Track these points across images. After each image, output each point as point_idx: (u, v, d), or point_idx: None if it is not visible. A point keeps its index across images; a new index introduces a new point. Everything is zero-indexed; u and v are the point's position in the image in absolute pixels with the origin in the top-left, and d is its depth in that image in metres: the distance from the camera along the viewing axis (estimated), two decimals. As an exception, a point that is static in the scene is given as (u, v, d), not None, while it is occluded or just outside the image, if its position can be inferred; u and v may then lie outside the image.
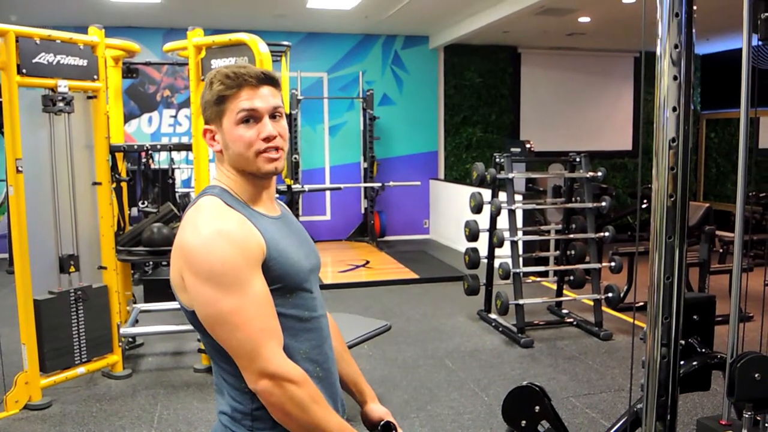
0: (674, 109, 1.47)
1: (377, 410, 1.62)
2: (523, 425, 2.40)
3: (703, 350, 2.26)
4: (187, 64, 4.44)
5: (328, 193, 9.77)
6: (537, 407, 2.38)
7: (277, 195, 4.27)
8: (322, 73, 9.61)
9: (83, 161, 4.31)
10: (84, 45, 4.12)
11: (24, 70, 3.78)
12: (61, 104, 3.99)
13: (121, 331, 4.47)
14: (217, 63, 4.18)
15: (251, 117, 1.37)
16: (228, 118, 1.37)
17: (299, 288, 1.41)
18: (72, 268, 4.21)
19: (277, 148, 1.39)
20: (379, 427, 1.55)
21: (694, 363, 2.23)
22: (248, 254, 1.31)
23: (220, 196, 1.38)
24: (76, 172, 4.25)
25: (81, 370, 4.23)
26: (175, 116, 9.17)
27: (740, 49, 1.66)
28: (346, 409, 1.55)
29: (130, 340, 4.84)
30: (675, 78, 1.45)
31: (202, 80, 4.21)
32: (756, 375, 1.61)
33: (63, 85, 3.97)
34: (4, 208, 8.10)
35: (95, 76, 4.19)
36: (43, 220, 4.10)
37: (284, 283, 1.37)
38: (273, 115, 1.40)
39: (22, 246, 3.86)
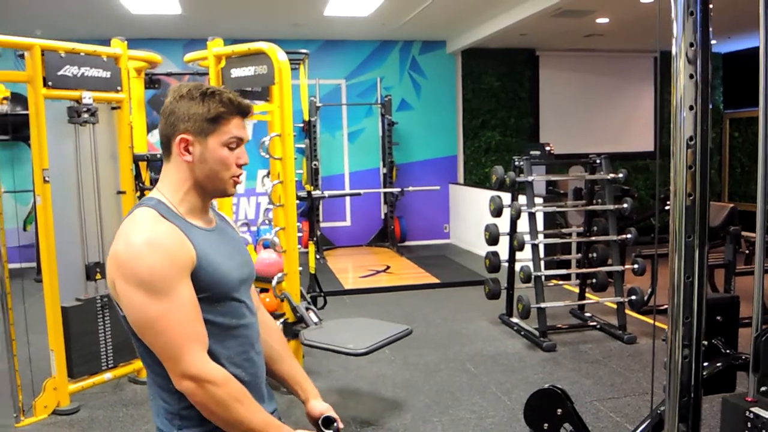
0: (691, 108, 1.46)
1: (318, 406, 1.68)
2: (545, 428, 2.40)
3: (728, 351, 2.24)
4: (207, 73, 4.50)
5: (347, 198, 9.81)
6: (559, 410, 2.38)
7: (298, 201, 4.31)
8: (341, 80, 9.66)
9: (108, 171, 4.39)
10: (107, 57, 4.20)
11: (50, 83, 3.85)
12: (85, 115, 4.07)
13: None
14: (237, 72, 4.24)
15: (236, 144, 1.50)
16: (216, 138, 1.47)
17: (227, 297, 1.49)
18: (98, 276, 4.29)
19: (240, 174, 1.54)
20: (320, 421, 1.63)
21: (718, 364, 2.22)
22: (177, 263, 1.39)
23: (155, 207, 1.45)
24: (101, 182, 4.33)
25: (107, 375, 4.29)
26: (197, 125, 9.26)
27: (755, 48, 1.65)
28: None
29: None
30: (691, 76, 1.45)
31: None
32: None
33: (87, 97, 4.05)
34: (31, 218, 8.26)
35: (118, 87, 4.27)
36: (70, 228, 4.18)
37: (212, 292, 1.45)
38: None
39: (50, 254, 3.94)
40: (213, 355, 1.43)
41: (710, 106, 1.53)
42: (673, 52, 1.46)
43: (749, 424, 1.60)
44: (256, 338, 1.59)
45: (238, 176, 1.52)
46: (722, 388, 2.19)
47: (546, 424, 2.38)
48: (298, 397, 1.73)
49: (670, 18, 1.51)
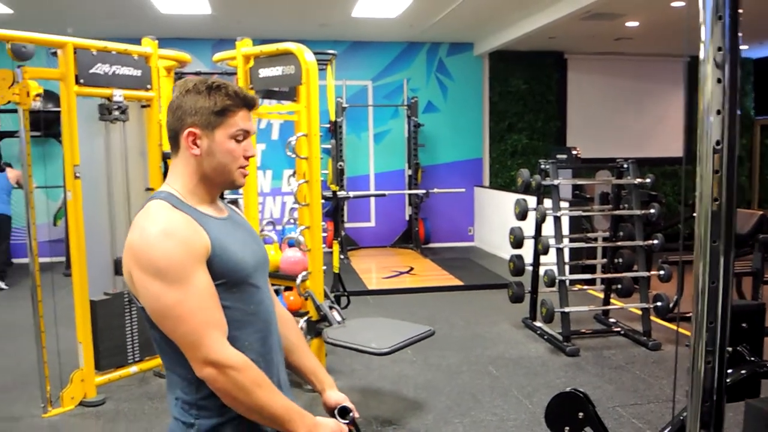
0: (718, 112, 1.45)
1: (334, 396, 1.70)
2: (566, 431, 2.39)
3: (752, 359, 2.22)
4: (235, 73, 4.55)
5: (372, 199, 9.83)
6: (581, 413, 2.36)
7: (323, 200, 4.34)
8: (367, 81, 9.70)
9: (137, 168, 4.47)
10: (138, 56, 4.28)
11: (81, 80, 3.94)
12: (116, 113, 4.15)
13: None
14: (265, 72, 4.28)
15: (243, 136, 1.52)
16: (223, 131, 1.49)
17: (244, 283, 1.50)
18: (126, 271, 4.35)
19: (247, 166, 1.56)
20: (336, 411, 1.64)
21: (743, 371, 2.19)
22: (192, 251, 1.40)
23: (167, 199, 1.47)
24: (131, 178, 4.41)
25: (133, 369, 4.37)
26: (224, 124, 9.36)
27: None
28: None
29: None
30: (719, 81, 1.44)
31: (252, 89, 4.32)
32: None
33: (118, 95, 4.13)
34: (61, 213, 8.42)
35: (149, 86, 4.34)
36: (99, 224, 4.26)
37: (228, 278, 1.46)
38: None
39: (80, 249, 4.02)
40: (231, 341, 1.44)
41: (739, 112, 1.52)
42: (701, 56, 1.45)
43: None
44: (275, 325, 1.61)
45: (245, 167, 1.54)
46: (746, 396, 2.16)
47: (567, 428, 2.37)
48: (314, 387, 1.74)
49: (693, 23, 1.50)
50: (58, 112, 6.98)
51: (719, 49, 1.43)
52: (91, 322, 4.08)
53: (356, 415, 1.66)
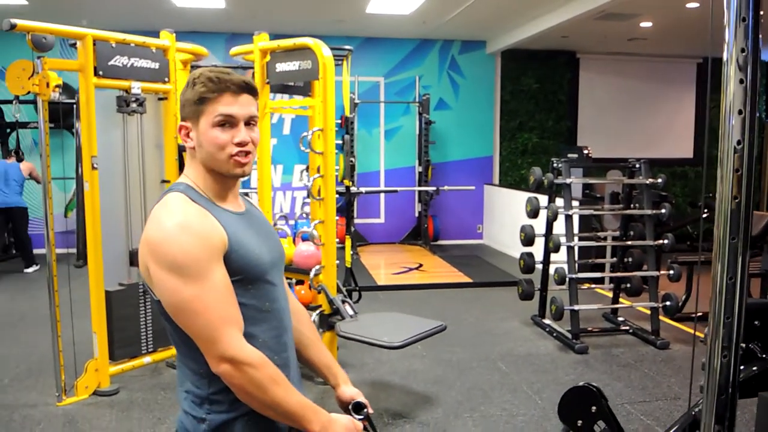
0: (740, 112, 1.48)
1: (349, 391, 1.70)
2: (579, 425, 2.42)
3: (764, 356, 2.24)
4: (250, 67, 4.59)
5: (382, 196, 9.87)
6: (594, 407, 2.40)
7: (337, 195, 4.37)
8: (379, 78, 9.73)
9: (153, 160, 4.51)
10: (156, 48, 4.32)
11: (100, 72, 3.98)
12: (134, 105, 4.19)
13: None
14: (282, 67, 4.32)
15: (228, 122, 1.45)
16: (205, 120, 1.45)
17: (260, 279, 1.49)
18: (140, 262, 4.40)
19: (246, 153, 1.47)
20: (350, 406, 1.65)
21: (754, 368, 2.22)
22: (209, 246, 1.39)
23: (185, 192, 1.46)
24: (147, 170, 4.45)
25: (147, 359, 4.42)
26: (236, 118, 9.41)
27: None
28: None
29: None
30: (741, 81, 1.47)
31: (268, 83, 4.36)
32: None
33: (136, 87, 4.17)
34: (73, 204, 8.50)
35: (166, 79, 4.39)
36: (115, 215, 4.31)
37: (245, 274, 1.45)
38: (248, 122, 1.48)
39: (96, 239, 4.07)
40: (247, 337, 1.43)
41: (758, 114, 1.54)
42: (724, 57, 1.48)
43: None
44: (289, 322, 1.60)
45: (236, 154, 1.46)
46: (757, 393, 2.19)
47: (580, 421, 2.40)
48: (329, 382, 1.74)
49: (714, 24, 1.53)
50: (71, 103, 7.06)
51: (742, 50, 1.46)
52: (105, 312, 4.13)
53: (370, 410, 1.67)
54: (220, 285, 1.40)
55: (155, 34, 4.42)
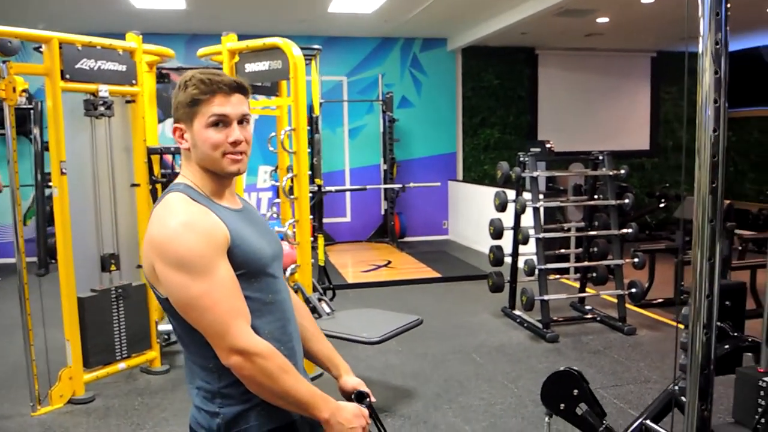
0: (715, 102, 1.57)
1: (351, 381, 1.73)
2: (561, 408, 2.51)
3: (735, 334, 2.36)
4: (220, 68, 4.57)
5: (348, 194, 9.89)
6: (575, 391, 2.49)
7: (311, 194, 4.38)
8: (342, 77, 9.75)
9: (122, 163, 4.46)
10: (123, 51, 4.27)
11: (67, 76, 3.92)
12: (102, 108, 4.14)
13: (159, 327, 4.61)
14: (251, 67, 4.32)
15: (221, 121, 1.49)
16: (199, 121, 1.48)
17: (262, 273, 1.53)
18: (113, 267, 4.36)
19: (241, 152, 1.52)
20: (353, 396, 1.68)
21: (726, 346, 2.33)
22: (213, 242, 1.43)
23: (185, 191, 1.49)
24: (116, 174, 4.40)
25: (121, 365, 4.36)
26: (198, 120, 9.31)
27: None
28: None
29: (165, 337, 4.98)
30: (716, 73, 1.55)
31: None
32: None
33: (104, 90, 4.12)
34: (32, 212, 8.29)
35: (134, 81, 4.34)
36: (85, 220, 4.25)
37: (248, 268, 1.49)
38: (240, 121, 1.52)
39: (66, 245, 4.01)
40: (253, 330, 1.46)
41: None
42: (699, 50, 1.56)
43: (762, 393, 1.71)
44: (292, 313, 1.64)
45: (232, 153, 1.50)
46: (730, 369, 2.30)
47: (562, 404, 2.49)
48: (331, 373, 1.77)
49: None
50: (27, 109, 6.89)
51: (716, 43, 1.55)
52: (78, 319, 4.07)
53: (373, 399, 1.70)
54: (227, 279, 1.43)
55: (115, 37, 4.34)
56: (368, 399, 1.68)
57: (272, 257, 1.58)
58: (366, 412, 1.59)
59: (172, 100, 1.52)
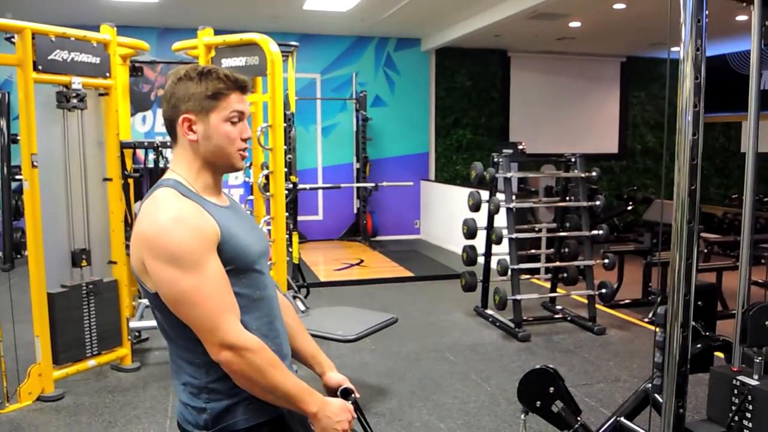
0: (695, 106, 1.61)
1: (335, 377, 1.75)
2: (537, 405, 2.55)
3: (707, 333, 2.42)
4: (185, 63, 4.53)
5: (320, 193, 9.88)
6: (551, 388, 2.53)
7: (286, 191, 4.37)
8: (316, 75, 9.72)
9: (95, 157, 4.39)
10: (97, 43, 4.20)
11: (40, 67, 3.85)
12: (74, 101, 4.06)
13: (131, 324, 4.55)
14: (228, 62, 4.29)
15: (238, 118, 1.53)
16: (218, 115, 1.50)
17: (251, 269, 1.54)
18: (84, 262, 4.29)
19: (246, 148, 1.57)
20: (338, 392, 1.70)
21: (699, 345, 2.39)
22: (204, 238, 1.43)
23: (174, 187, 1.49)
24: (88, 168, 4.33)
25: (92, 362, 4.30)
26: (170, 116, 9.21)
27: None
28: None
29: (136, 334, 4.92)
30: (696, 78, 1.60)
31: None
32: (767, 322, 1.77)
33: (77, 82, 4.05)
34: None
35: (107, 74, 4.28)
36: (57, 214, 4.17)
37: (236, 264, 1.49)
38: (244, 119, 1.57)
39: (37, 240, 3.93)
40: (242, 326, 1.47)
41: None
42: (681, 55, 1.61)
43: (735, 390, 1.76)
44: (279, 309, 1.65)
45: (243, 150, 1.55)
46: (702, 368, 2.37)
47: (538, 402, 2.53)
48: (315, 370, 1.78)
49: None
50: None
51: (697, 49, 1.59)
52: (48, 315, 4.00)
53: (357, 396, 1.72)
54: (217, 275, 1.44)
55: (86, 29, 4.26)
56: (353, 395, 1.70)
57: (260, 254, 1.59)
58: (351, 407, 1.61)
59: (180, 91, 1.50)
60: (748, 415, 1.77)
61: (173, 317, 1.45)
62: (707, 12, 1.65)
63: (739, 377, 1.77)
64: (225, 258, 1.47)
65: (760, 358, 1.78)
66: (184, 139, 1.52)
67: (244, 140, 1.54)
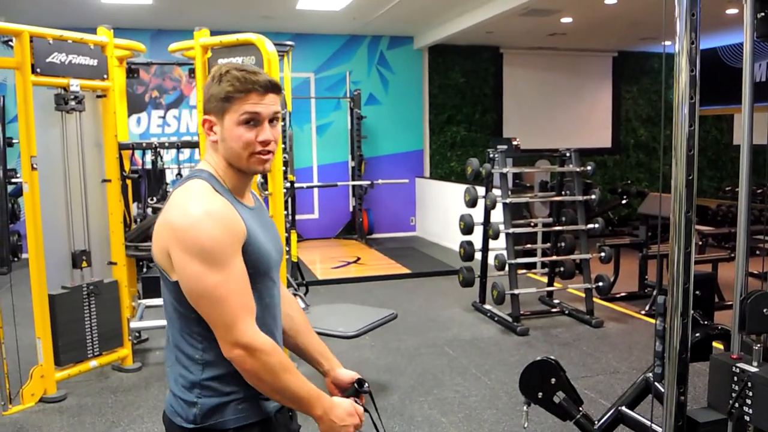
0: (691, 98, 1.65)
1: (346, 373, 1.73)
2: (539, 396, 2.58)
3: (705, 322, 2.46)
4: (181, 64, 4.54)
5: (316, 191, 9.90)
6: (553, 379, 2.57)
7: (284, 190, 4.40)
8: (309, 74, 9.74)
9: (93, 159, 4.41)
10: (94, 45, 4.22)
11: (38, 70, 3.86)
12: (73, 103, 4.08)
13: (131, 325, 4.57)
14: (224, 63, 4.30)
15: (253, 120, 1.48)
16: (231, 117, 1.47)
17: (266, 275, 1.55)
18: (84, 264, 4.31)
19: (269, 151, 1.51)
20: (355, 384, 1.69)
21: (697, 334, 2.44)
22: (234, 235, 1.44)
23: (208, 180, 1.49)
24: (87, 170, 4.34)
25: (93, 363, 4.32)
26: (164, 117, 9.23)
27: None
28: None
29: (137, 334, 4.93)
30: (692, 71, 1.64)
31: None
32: (765, 310, 1.80)
33: (75, 84, 4.07)
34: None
35: (105, 76, 4.29)
36: (56, 216, 4.19)
37: (255, 269, 1.49)
38: (271, 120, 1.51)
39: (38, 242, 3.94)
40: None
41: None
42: (676, 49, 1.65)
43: (735, 378, 1.80)
44: (280, 319, 1.65)
45: (260, 153, 1.49)
46: (701, 357, 2.41)
47: (540, 393, 2.56)
48: (321, 367, 1.77)
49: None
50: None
51: (692, 43, 1.63)
52: (49, 316, 4.01)
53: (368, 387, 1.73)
54: (241, 274, 1.44)
55: (80, 31, 4.27)
56: (367, 385, 1.70)
57: (276, 262, 1.59)
58: (360, 409, 1.61)
59: (207, 92, 1.51)
60: (748, 401, 1.81)
61: (189, 309, 1.46)
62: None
63: (739, 364, 1.81)
64: (246, 260, 1.47)
65: (758, 345, 1.82)
66: (208, 139, 1.54)
67: (263, 143, 1.49)
